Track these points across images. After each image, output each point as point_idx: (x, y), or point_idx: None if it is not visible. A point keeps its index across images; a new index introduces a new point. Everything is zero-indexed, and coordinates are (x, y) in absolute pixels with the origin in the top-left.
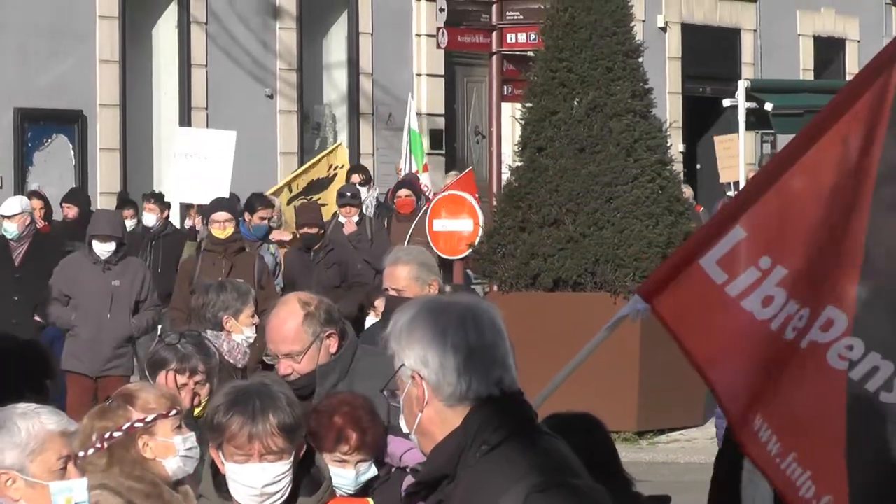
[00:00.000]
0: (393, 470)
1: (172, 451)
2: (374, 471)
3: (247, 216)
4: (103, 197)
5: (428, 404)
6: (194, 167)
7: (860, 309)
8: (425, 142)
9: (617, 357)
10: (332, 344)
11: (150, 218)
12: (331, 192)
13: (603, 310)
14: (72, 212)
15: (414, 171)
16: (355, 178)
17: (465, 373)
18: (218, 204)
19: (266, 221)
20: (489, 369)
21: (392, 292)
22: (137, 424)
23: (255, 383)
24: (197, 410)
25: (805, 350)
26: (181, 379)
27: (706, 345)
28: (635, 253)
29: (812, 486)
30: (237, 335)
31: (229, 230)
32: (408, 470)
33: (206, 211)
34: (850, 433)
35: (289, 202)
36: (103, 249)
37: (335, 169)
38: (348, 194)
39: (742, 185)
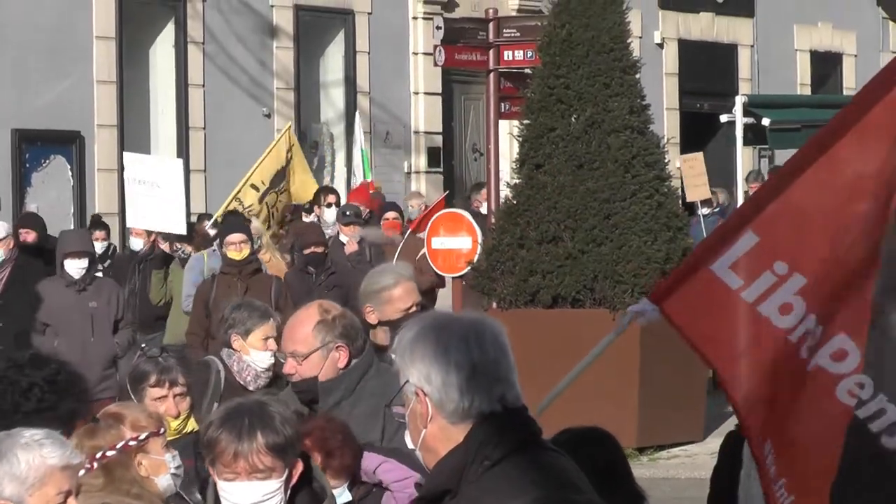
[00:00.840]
0: (374, 489)
1: (164, 469)
2: (347, 496)
3: None
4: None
5: (432, 421)
6: (147, 194)
7: (871, 346)
8: (423, 160)
9: (617, 373)
10: (342, 358)
11: (137, 242)
12: (296, 175)
13: (602, 326)
14: (30, 236)
15: (361, 183)
16: (331, 198)
17: (467, 390)
18: (232, 225)
19: None
20: (492, 386)
21: (416, 308)
22: (132, 443)
23: (252, 401)
24: (176, 423)
25: (811, 373)
26: (161, 391)
27: (722, 348)
28: (634, 269)
29: None
30: (245, 356)
31: (246, 251)
32: (388, 490)
33: (220, 233)
34: (844, 469)
35: (261, 200)
36: (77, 267)
37: (290, 152)
38: (349, 213)
39: (740, 197)
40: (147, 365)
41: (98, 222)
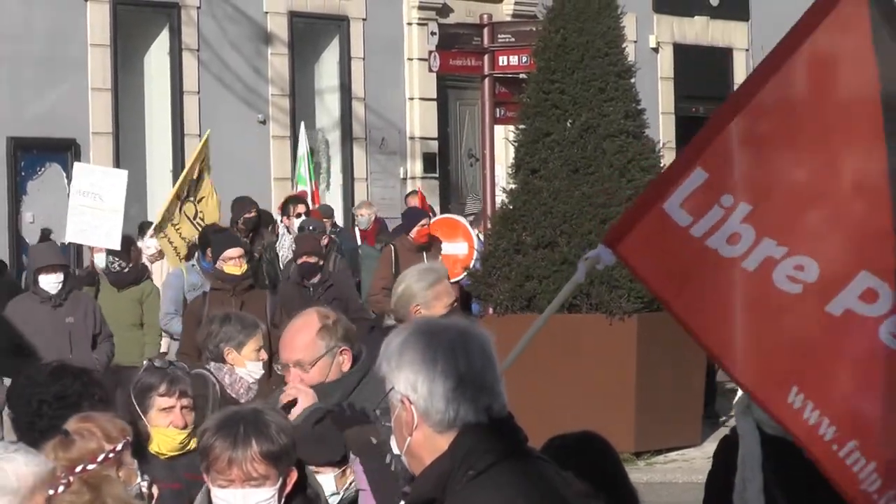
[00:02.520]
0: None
1: (135, 479)
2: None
3: None
4: None
5: (417, 428)
6: (91, 206)
7: None
8: (419, 166)
9: (614, 377)
10: (346, 361)
11: (101, 258)
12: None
13: (599, 331)
14: None
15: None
16: (300, 208)
17: (453, 400)
18: (228, 240)
19: None
20: (478, 396)
21: (456, 303)
22: (111, 455)
23: (247, 409)
24: (181, 436)
25: (841, 319)
26: (169, 401)
27: (677, 286)
28: (630, 274)
29: (878, 480)
30: (240, 368)
31: (244, 266)
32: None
33: (213, 248)
34: None
35: (180, 209)
36: (52, 282)
37: (202, 162)
38: (311, 228)
39: None
40: (154, 375)
41: (51, 233)
